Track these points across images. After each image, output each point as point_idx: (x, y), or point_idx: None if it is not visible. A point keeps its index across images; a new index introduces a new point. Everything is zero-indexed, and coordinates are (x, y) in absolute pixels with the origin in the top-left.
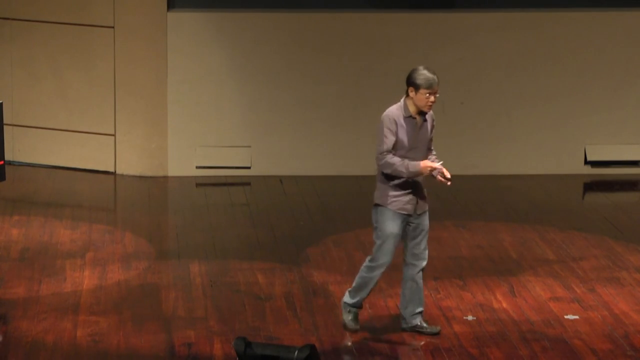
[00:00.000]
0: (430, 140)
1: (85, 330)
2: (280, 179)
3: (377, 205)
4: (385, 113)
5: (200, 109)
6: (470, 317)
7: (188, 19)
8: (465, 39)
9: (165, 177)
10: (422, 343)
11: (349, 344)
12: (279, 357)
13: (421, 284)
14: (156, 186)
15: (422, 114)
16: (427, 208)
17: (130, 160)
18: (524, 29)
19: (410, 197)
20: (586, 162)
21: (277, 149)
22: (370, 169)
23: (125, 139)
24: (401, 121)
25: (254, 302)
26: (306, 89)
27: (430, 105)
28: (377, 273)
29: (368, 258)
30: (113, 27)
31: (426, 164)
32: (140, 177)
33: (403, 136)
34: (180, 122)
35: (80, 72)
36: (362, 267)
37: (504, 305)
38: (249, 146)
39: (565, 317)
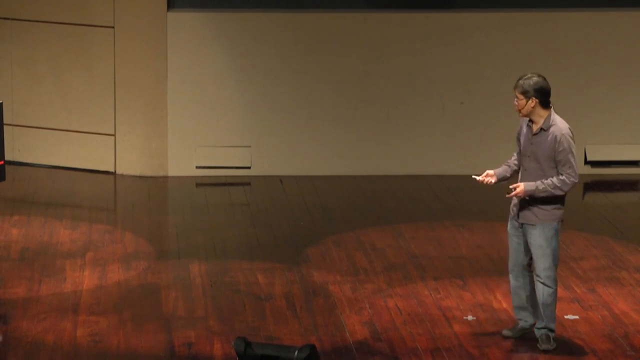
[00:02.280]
0: (549, 158)
1: (85, 330)
2: (280, 179)
3: None
4: None
5: (200, 109)
6: (470, 317)
7: (188, 19)
8: (465, 39)
9: (165, 177)
10: (422, 343)
11: (349, 344)
12: (279, 357)
13: (535, 296)
14: (156, 186)
15: (544, 124)
16: (531, 221)
17: (130, 160)
18: (524, 29)
19: (515, 200)
20: (586, 162)
21: (277, 149)
22: (370, 169)
23: (125, 139)
24: (524, 124)
25: (254, 302)
26: (306, 89)
27: (518, 110)
28: (510, 277)
29: None
30: (113, 27)
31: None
32: (140, 177)
33: (520, 139)
34: (180, 122)
35: (80, 72)
36: None
37: (504, 305)
38: (249, 146)
39: (565, 317)
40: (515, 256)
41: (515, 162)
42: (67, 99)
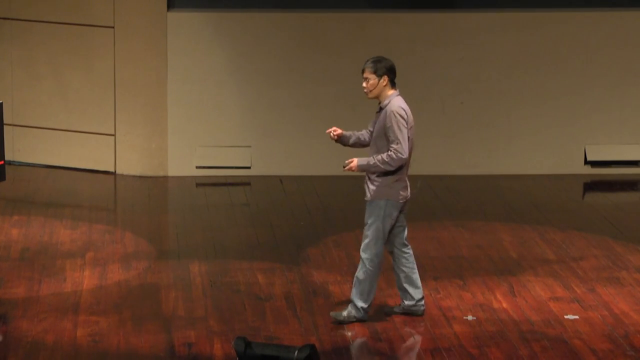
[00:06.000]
0: (377, 137)
1: (85, 330)
2: (280, 179)
3: None
4: None
5: (200, 109)
6: (470, 317)
7: (188, 19)
8: (465, 39)
9: (165, 177)
10: (422, 343)
11: (349, 344)
12: (279, 357)
13: (408, 277)
14: (156, 186)
15: (383, 103)
16: (366, 197)
17: (130, 160)
18: (524, 29)
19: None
20: (586, 162)
21: (277, 149)
22: None
23: (125, 139)
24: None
25: (254, 302)
26: (306, 89)
27: (367, 92)
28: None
29: None
30: (113, 27)
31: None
32: (140, 177)
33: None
34: (180, 122)
35: (80, 72)
36: None
37: (504, 305)
38: (249, 146)
39: (565, 317)
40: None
41: (364, 136)
42: (67, 99)
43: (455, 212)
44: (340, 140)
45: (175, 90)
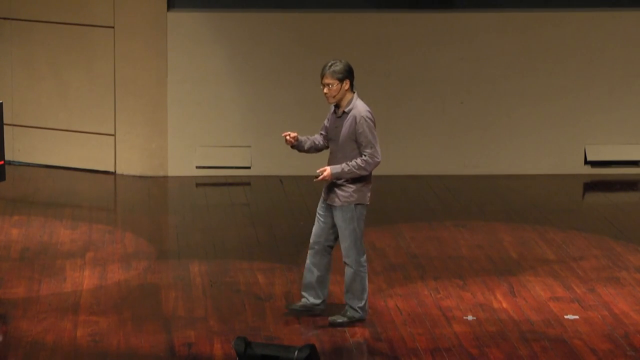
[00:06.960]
0: (345, 143)
1: (85, 330)
2: (280, 179)
3: None
4: None
5: (200, 109)
6: (470, 317)
7: (188, 19)
8: (465, 39)
9: (165, 177)
10: (422, 343)
11: (349, 344)
12: (279, 357)
13: (325, 278)
14: (156, 186)
15: (338, 106)
16: (334, 202)
17: (130, 160)
18: (524, 29)
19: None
20: (586, 162)
21: (277, 149)
22: None
23: (125, 139)
24: (332, 107)
25: (254, 302)
26: (306, 89)
27: (327, 98)
28: (309, 254)
29: None
30: (113, 27)
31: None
32: (140, 177)
33: (326, 123)
34: (180, 122)
35: (80, 72)
36: None
37: (504, 305)
38: (249, 146)
39: (565, 317)
40: (318, 234)
41: (318, 140)
42: (67, 99)
43: (455, 212)
44: (297, 145)
45: (175, 90)
